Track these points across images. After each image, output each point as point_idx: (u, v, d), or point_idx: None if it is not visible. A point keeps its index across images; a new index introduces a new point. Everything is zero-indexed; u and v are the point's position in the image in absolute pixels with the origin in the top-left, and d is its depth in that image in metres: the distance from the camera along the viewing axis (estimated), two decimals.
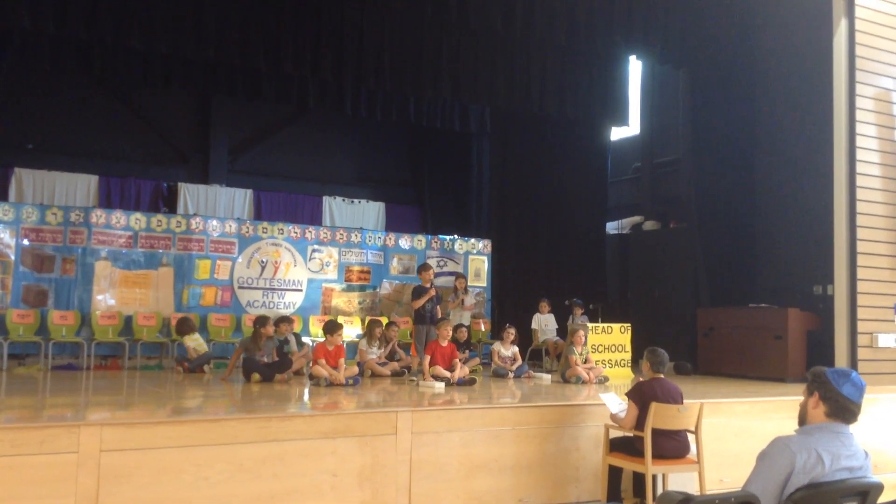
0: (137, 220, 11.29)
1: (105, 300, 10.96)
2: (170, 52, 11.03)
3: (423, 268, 10.40)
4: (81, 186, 13.25)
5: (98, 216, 11.06)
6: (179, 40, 10.43)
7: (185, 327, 10.07)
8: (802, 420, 3.36)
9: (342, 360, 8.35)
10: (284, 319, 9.63)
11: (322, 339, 8.75)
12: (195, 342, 9.93)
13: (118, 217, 11.19)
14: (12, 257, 10.51)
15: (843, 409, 3.24)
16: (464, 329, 10.14)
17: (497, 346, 9.93)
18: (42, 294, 10.63)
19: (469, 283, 12.75)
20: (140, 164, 14.11)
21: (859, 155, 9.24)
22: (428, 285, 10.03)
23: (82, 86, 13.43)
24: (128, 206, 12.85)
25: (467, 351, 10.02)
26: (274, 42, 10.94)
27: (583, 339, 9.44)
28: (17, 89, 12.51)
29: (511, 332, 9.90)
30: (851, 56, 9.40)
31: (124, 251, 11.11)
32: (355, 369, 8.56)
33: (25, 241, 10.60)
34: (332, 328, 8.52)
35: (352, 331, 11.84)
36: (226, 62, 11.67)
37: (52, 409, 6.23)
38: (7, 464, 4.48)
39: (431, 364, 8.46)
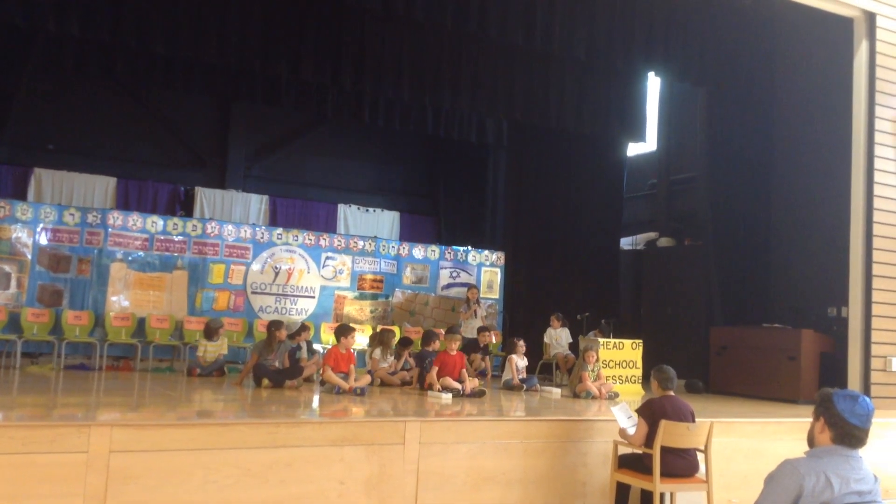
0: (154, 222, 11.38)
1: (119, 301, 11.04)
2: (191, 57, 11.18)
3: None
4: (99, 188, 13.37)
5: (115, 218, 11.16)
6: (201, 45, 10.52)
7: (218, 325, 9.74)
8: (811, 443, 3.34)
9: (352, 367, 8.37)
10: (304, 328, 9.63)
11: (332, 345, 8.74)
12: (217, 346, 9.68)
13: (135, 219, 11.28)
14: (29, 256, 10.62)
15: (849, 436, 3.22)
16: (487, 334, 10.50)
17: (515, 358, 9.80)
18: (57, 294, 10.73)
19: (482, 295, 12.72)
20: (158, 168, 14.24)
21: (877, 177, 9.18)
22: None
23: (104, 88, 13.58)
24: (145, 209, 12.94)
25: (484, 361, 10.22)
26: (295, 50, 11.03)
27: (594, 358, 9.40)
28: (40, 90, 12.64)
29: (522, 345, 9.84)
30: (871, 77, 9.36)
31: (140, 253, 11.20)
32: (368, 378, 8.56)
33: (43, 241, 10.71)
34: (345, 332, 8.53)
35: (362, 339, 11.86)
36: (247, 68, 11.79)
37: (63, 409, 6.27)
38: (17, 461, 4.51)
39: (440, 375, 8.42)
